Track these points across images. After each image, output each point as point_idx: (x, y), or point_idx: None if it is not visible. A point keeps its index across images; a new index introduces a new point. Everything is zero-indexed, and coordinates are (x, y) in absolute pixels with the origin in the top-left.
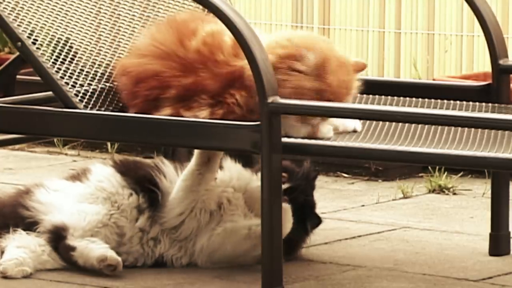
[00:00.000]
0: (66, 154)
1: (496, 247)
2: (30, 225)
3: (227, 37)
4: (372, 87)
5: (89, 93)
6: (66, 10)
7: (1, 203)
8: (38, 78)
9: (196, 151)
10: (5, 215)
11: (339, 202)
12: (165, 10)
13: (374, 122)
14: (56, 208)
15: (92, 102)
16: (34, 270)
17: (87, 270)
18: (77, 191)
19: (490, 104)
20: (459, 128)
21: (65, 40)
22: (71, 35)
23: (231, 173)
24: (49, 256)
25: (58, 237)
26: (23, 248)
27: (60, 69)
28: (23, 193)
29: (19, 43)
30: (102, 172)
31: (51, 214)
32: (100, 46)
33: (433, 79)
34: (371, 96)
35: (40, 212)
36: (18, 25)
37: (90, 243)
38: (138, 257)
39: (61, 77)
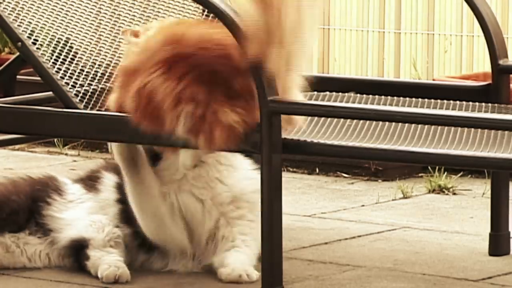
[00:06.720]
0: (66, 154)
1: (496, 247)
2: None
3: None
4: (372, 87)
5: (89, 93)
6: (66, 10)
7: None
8: (38, 78)
9: (116, 158)
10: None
11: (339, 202)
12: (165, 10)
13: (374, 122)
14: (70, 224)
15: (92, 102)
16: None
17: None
18: (90, 204)
19: (490, 104)
20: (459, 128)
21: (65, 40)
22: (71, 35)
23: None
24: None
25: (79, 249)
26: None
27: (60, 69)
28: (38, 197)
29: (19, 43)
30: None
31: (65, 230)
32: (100, 46)
33: (433, 79)
34: (371, 96)
35: (54, 227)
36: (18, 25)
37: (105, 255)
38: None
39: (61, 77)
